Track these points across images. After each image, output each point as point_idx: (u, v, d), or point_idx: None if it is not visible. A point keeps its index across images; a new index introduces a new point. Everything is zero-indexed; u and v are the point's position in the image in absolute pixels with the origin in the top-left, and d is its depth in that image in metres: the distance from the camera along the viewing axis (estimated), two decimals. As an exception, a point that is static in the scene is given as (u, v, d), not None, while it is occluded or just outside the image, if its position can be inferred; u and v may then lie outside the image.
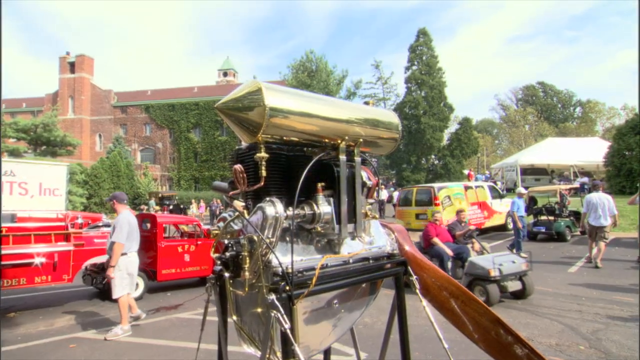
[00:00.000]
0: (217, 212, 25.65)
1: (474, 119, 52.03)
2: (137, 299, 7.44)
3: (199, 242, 8.39)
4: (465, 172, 35.94)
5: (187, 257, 8.23)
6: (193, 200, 28.57)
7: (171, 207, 31.37)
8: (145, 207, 27.84)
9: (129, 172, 40.97)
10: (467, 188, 14.64)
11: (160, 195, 35.61)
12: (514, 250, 10.11)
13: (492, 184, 18.71)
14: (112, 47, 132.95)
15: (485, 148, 55.85)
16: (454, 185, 15.05)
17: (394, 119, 2.47)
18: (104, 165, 38.25)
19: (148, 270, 7.90)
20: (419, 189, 14.47)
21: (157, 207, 28.27)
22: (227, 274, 1.99)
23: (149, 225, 8.29)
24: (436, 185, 14.58)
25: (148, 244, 8.12)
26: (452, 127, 46.06)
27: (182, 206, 31.74)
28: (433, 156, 42.32)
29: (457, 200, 13.71)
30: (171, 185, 53.17)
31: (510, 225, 12.98)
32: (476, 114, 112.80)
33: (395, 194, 26.24)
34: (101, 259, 7.23)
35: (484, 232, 14.87)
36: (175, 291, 8.29)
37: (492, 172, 35.59)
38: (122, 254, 5.57)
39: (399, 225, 2.70)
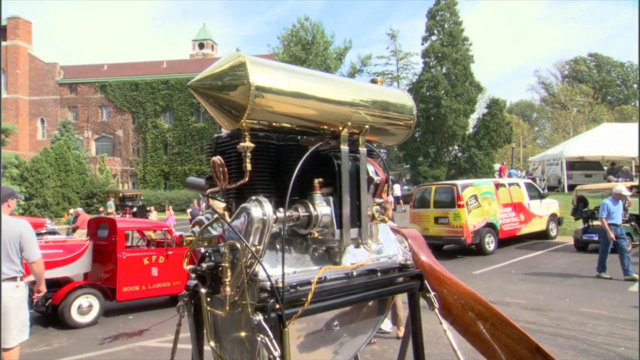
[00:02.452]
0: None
1: (508, 101, 52.21)
2: (91, 324, 7.49)
3: (169, 253, 8.43)
4: (496, 166, 36.05)
5: (154, 271, 8.26)
6: (152, 208, 27.78)
7: (135, 209, 31.35)
8: (106, 210, 27.73)
9: (80, 166, 40.81)
10: (498, 186, 14.70)
11: (121, 194, 35.61)
12: (598, 272, 9.95)
13: (530, 181, 18.78)
14: (56, 8, 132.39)
15: (522, 137, 55.92)
16: (482, 182, 15.09)
17: (407, 100, 2.51)
18: (48, 157, 37.99)
19: (105, 287, 7.94)
20: (438, 187, 14.50)
21: (112, 210, 28.14)
22: (203, 290, 2.01)
23: (106, 232, 8.32)
24: (460, 182, 14.60)
25: (105, 255, 8.16)
26: (480, 111, 46.11)
27: (148, 208, 31.72)
28: (456, 147, 42.43)
29: (486, 201, 13.78)
30: (135, 182, 53.21)
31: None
32: (510, 94, 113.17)
33: (397, 187, 26.31)
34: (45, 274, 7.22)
35: (519, 240, 14.98)
36: (139, 313, 8.34)
37: (530, 166, 35.70)
38: (12, 280, 4.48)
39: (413, 230, 2.74)
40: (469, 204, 13.34)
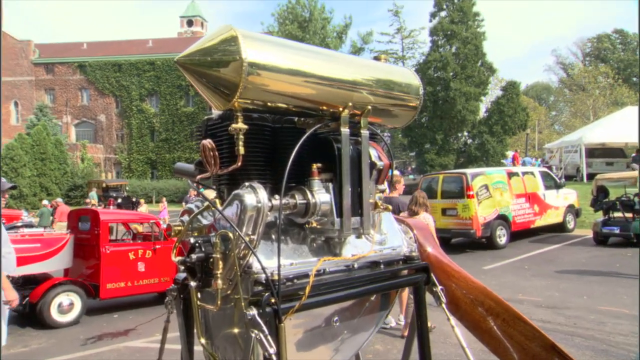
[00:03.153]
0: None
1: (523, 84, 51.80)
2: (72, 324, 7.52)
3: (157, 247, 8.47)
4: (509, 154, 35.93)
5: (141, 267, 8.31)
6: (141, 201, 27.18)
7: (119, 200, 31.36)
8: (92, 202, 27.61)
9: (60, 154, 40.77)
10: (511, 175, 14.74)
11: (104, 185, 35.60)
12: None
13: (545, 169, 18.84)
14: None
15: (538, 122, 55.75)
16: (493, 171, 15.12)
17: (413, 79, 2.51)
18: (24, 144, 37.88)
19: (87, 284, 7.97)
20: (446, 177, 14.53)
21: (94, 201, 28.04)
22: (193, 284, 2.02)
23: (88, 224, 8.34)
24: (469, 171, 14.65)
25: (87, 249, 8.18)
26: (493, 94, 46.00)
27: (134, 199, 31.69)
28: (466, 133, 42.34)
29: (498, 190, 13.82)
30: (119, 172, 53.19)
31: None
32: (526, 76, 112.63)
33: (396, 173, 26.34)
34: (21, 270, 7.21)
35: (533, 233, 15.05)
36: (125, 312, 8.39)
37: (546, 153, 35.71)
38: None
39: (419, 220, 2.76)
40: (479, 194, 13.37)
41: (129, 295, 8.37)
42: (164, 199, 25.49)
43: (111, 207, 28.00)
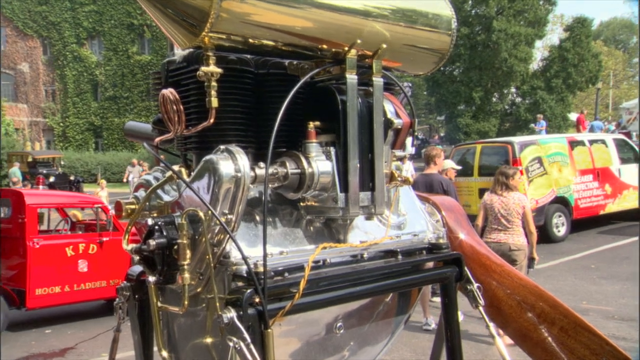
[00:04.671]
0: None
1: (595, 20, 51.11)
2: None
3: (104, 239, 8.49)
4: (573, 116, 35.67)
5: (82, 266, 8.34)
6: (102, 182, 25.70)
7: (52, 178, 31.26)
8: (14, 181, 27.44)
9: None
10: (573, 144, 14.69)
11: (30, 158, 35.46)
12: None
13: (622, 136, 18.74)
14: None
15: (613, 73, 55.36)
16: (549, 139, 15.09)
17: (444, 8, 2.51)
18: None
19: (8, 290, 7.98)
20: (486, 147, 14.51)
21: (17, 179, 27.87)
22: (151, 279, 2.04)
23: (9, 210, 8.35)
24: (517, 139, 14.62)
25: (8, 243, 8.17)
26: (551, 36, 45.49)
27: (72, 177, 31.53)
28: (513, 90, 42.02)
29: (555, 165, 13.80)
30: (51, 141, 52.81)
31: None
32: (599, 10, 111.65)
33: (409, 143, 25.83)
34: None
35: (603, 222, 15.02)
36: (61, 326, 8.43)
37: (623, 115, 35.49)
38: None
39: (449, 198, 2.82)
40: (531, 170, 13.37)
41: (66, 303, 8.40)
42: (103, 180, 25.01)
43: (40, 187, 27.88)
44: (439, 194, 7.10)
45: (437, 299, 6.88)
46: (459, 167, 9.77)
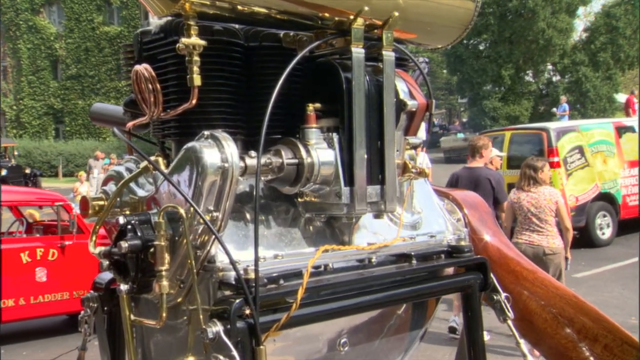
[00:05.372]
0: None
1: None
2: None
3: (66, 243, 8.45)
4: (621, 97, 35.24)
5: (40, 275, 8.31)
6: (81, 176, 25.14)
7: (4, 172, 31.27)
8: None
9: None
10: (621, 131, 14.60)
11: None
12: None
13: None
14: None
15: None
16: (592, 125, 15.01)
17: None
18: None
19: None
20: (516, 135, 14.44)
21: None
22: (123, 287, 2.02)
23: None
24: (554, 125, 14.55)
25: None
26: (597, 2, 44.99)
27: (28, 171, 31.54)
28: (550, 67, 41.57)
29: (599, 156, 13.73)
30: (2, 127, 51.81)
31: None
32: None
33: (423, 129, 25.57)
34: None
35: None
36: (15, 346, 8.37)
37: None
38: None
39: (472, 193, 2.80)
40: (570, 161, 13.32)
41: (21, 319, 8.38)
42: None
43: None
44: (488, 192, 7.08)
45: None
46: (503, 154, 9.73)
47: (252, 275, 1.89)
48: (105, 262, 2.05)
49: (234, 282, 1.92)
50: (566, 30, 38.51)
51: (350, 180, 2.11)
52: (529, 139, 13.93)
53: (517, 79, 39.64)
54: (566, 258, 6.78)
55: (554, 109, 33.43)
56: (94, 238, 2.11)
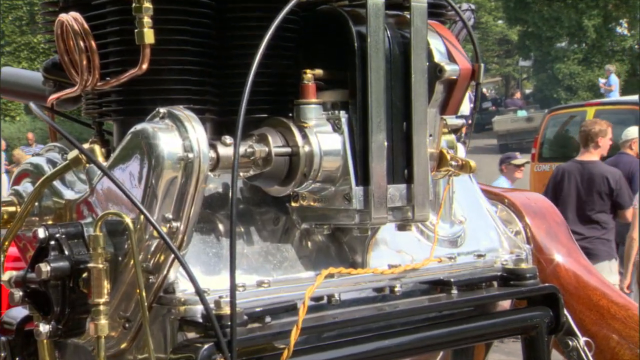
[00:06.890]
0: None
1: None
2: None
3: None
4: None
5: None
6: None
7: None
8: None
9: None
10: None
11: None
12: None
13: None
14: None
15: None
16: None
17: None
18: None
19: None
20: (602, 111, 13.71)
21: None
22: (44, 329, 1.73)
23: None
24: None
25: None
26: None
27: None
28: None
29: None
30: None
31: None
32: None
33: (467, 104, 24.50)
34: None
35: None
36: None
37: None
38: None
39: (537, 196, 2.60)
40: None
41: None
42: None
43: None
44: (603, 194, 6.49)
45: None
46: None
47: (226, 310, 1.62)
48: (18, 294, 1.75)
49: (201, 320, 1.64)
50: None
51: (364, 178, 1.81)
52: (622, 117, 12.83)
53: (604, 32, 36.93)
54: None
55: (600, 81, 31.06)
56: (1, 258, 1.85)
